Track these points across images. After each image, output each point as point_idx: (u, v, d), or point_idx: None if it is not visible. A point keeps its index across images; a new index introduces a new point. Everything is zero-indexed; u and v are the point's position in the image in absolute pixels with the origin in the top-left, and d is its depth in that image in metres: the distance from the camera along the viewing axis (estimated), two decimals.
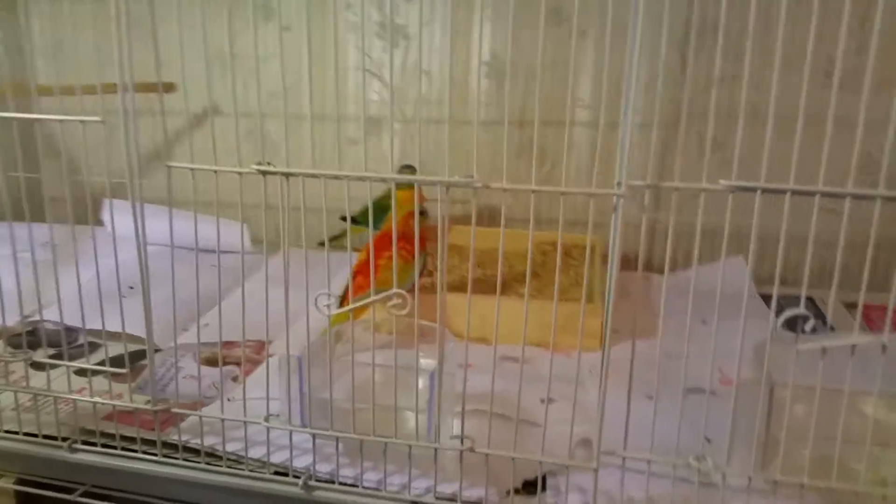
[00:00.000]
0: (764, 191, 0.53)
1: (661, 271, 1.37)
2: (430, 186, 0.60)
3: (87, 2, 0.80)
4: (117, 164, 0.68)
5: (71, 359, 0.87)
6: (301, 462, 0.69)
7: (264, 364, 0.87)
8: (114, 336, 0.74)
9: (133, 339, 0.78)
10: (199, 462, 0.70)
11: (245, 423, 0.68)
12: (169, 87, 1.38)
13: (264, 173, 0.61)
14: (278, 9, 0.95)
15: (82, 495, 0.75)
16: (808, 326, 0.55)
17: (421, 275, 1.07)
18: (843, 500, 0.60)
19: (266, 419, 0.67)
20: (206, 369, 0.89)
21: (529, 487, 0.67)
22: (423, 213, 1.21)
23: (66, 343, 0.75)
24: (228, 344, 0.93)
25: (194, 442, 0.71)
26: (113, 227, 0.81)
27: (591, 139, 1.40)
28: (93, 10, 0.70)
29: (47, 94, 0.72)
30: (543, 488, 0.67)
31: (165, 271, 0.68)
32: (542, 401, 0.79)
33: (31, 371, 0.76)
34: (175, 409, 0.70)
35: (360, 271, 0.97)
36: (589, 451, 0.67)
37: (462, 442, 0.63)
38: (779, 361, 0.63)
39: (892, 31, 0.64)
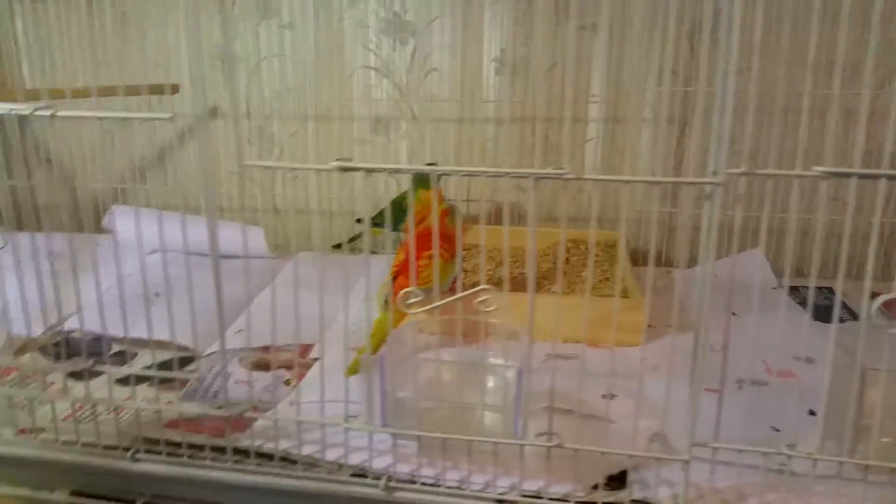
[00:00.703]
0: (861, 176, 0.54)
1: (674, 265, 1.40)
2: (444, 186, 0.60)
3: (74, 4, 0.77)
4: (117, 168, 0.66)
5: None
6: (378, 464, 0.68)
7: (316, 367, 0.86)
8: (144, 344, 0.71)
9: (165, 345, 0.74)
10: (272, 467, 0.68)
11: (323, 425, 0.66)
12: (174, 90, 1.36)
13: (345, 169, 0.60)
14: (285, 7, 0.92)
15: None
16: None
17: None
18: None
19: (346, 420, 0.66)
20: (254, 374, 0.87)
21: (612, 483, 0.66)
22: (451, 211, 1.20)
23: (103, 352, 0.72)
24: (267, 349, 0.91)
25: (268, 447, 0.69)
26: (139, 235, 0.74)
27: (605, 133, 1.41)
28: (75, 12, 0.67)
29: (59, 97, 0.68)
30: (623, 482, 0.67)
31: (184, 278, 0.66)
32: (604, 396, 0.79)
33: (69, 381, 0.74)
34: (249, 414, 0.68)
35: (402, 272, 0.96)
36: (664, 444, 0.67)
37: (550, 438, 0.63)
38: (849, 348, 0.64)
39: None
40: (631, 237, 1.39)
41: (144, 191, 1.48)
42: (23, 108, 0.60)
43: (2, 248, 0.70)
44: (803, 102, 0.55)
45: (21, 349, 0.88)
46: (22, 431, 0.74)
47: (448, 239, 0.99)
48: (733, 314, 1.00)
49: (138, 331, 0.70)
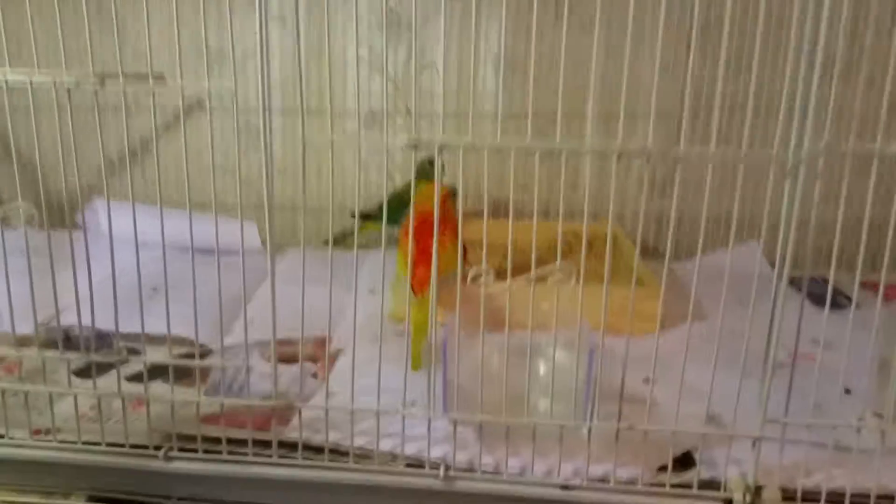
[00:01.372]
0: None
1: (676, 257, 1.40)
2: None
3: None
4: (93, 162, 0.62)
5: (112, 366, 0.79)
6: (435, 453, 0.64)
7: (342, 358, 0.82)
8: (153, 340, 0.66)
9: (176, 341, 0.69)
10: (321, 460, 0.64)
11: (378, 413, 0.63)
12: (157, 79, 1.29)
13: (416, 146, 0.57)
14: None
15: None
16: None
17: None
18: None
19: (403, 406, 0.62)
20: (279, 368, 0.82)
21: (675, 465, 0.65)
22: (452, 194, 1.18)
23: (102, 348, 0.67)
24: (283, 343, 0.87)
25: (317, 438, 0.65)
26: (135, 227, 0.68)
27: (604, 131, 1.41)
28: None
29: None
30: (688, 464, 0.65)
31: (177, 273, 0.62)
32: (645, 381, 0.78)
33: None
34: (299, 405, 0.64)
35: (419, 262, 0.93)
36: (717, 426, 0.66)
37: (619, 419, 0.61)
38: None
39: None
40: (627, 232, 1.39)
41: (121, 185, 1.41)
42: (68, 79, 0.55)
43: None
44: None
45: (19, 347, 0.81)
46: (37, 432, 0.68)
47: (453, 225, 0.96)
48: (741, 304, 1.01)
49: (147, 326, 0.65)
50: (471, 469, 0.64)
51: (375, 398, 0.63)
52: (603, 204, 1.40)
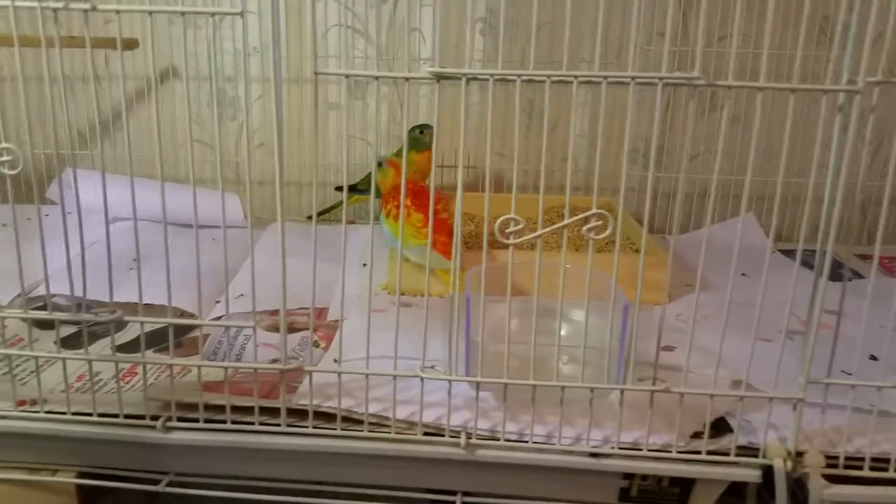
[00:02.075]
0: None
1: (668, 232, 1.38)
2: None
3: None
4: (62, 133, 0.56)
5: (94, 335, 0.73)
6: (455, 420, 0.60)
7: (345, 327, 0.78)
8: (135, 309, 0.61)
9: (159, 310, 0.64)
10: (333, 429, 0.60)
11: (395, 376, 0.59)
12: (131, 45, 1.22)
13: (440, 77, 0.52)
14: None
15: (171, 485, 0.62)
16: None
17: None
18: None
19: (422, 370, 0.58)
20: (274, 336, 0.77)
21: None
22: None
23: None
24: (277, 313, 0.82)
25: (328, 405, 0.60)
26: (107, 199, 0.61)
27: (595, 97, 1.38)
28: None
29: None
30: (721, 431, 0.62)
31: (160, 246, 0.57)
32: (664, 349, 0.75)
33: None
34: (309, 368, 0.59)
35: (439, 229, 0.88)
36: (749, 391, 0.63)
37: (654, 382, 0.58)
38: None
39: None
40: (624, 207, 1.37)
41: (91, 157, 1.34)
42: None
43: None
44: None
45: None
46: (21, 403, 0.62)
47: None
48: (743, 274, 0.99)
49: (133, 296, 0.59)
50: (493, 437, 0.60)
51: (389, 363, 0.58)
52: (599, 181, 1.37)
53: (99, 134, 0.60)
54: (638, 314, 0.56)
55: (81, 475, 0.63)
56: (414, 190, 0.95)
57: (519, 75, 0.52)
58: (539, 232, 0.55)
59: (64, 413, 0.61)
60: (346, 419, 0.60)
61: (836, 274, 0.56)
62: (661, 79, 0.51)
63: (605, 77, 0.51)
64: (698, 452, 0.59)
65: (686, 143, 0.54)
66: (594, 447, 0.59)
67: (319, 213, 1.32)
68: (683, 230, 1.34)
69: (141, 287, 0.59)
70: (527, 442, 0.60)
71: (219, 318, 0.81)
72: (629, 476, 0.61)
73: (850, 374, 0.60)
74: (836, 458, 0.58)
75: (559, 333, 0.58)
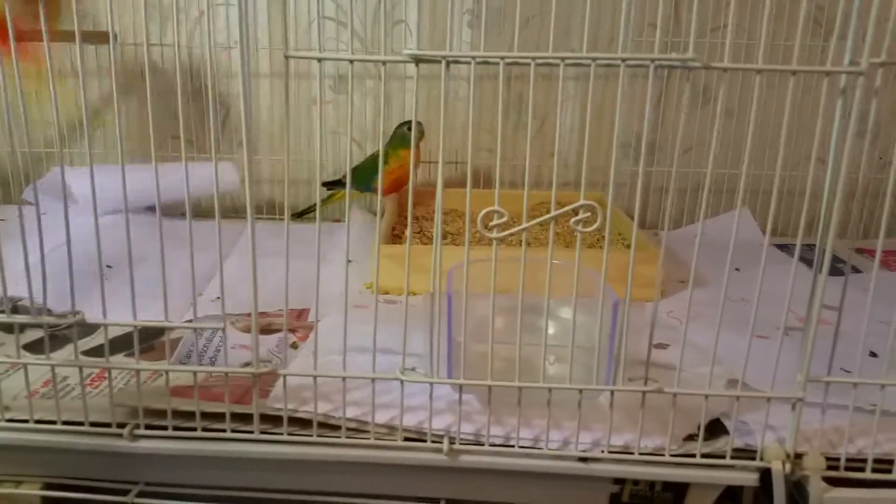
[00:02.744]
0: None
1: (661, 227, 1.35)
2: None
3: None
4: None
5: (64, 340, 0.70)
6: (437, 424, 0.58)
7: (322, 327, 0.75)
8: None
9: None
10: (309, 435, 0.57)
11: (374, 379, 0.56)
12: (103, 38, 1.19)
13: (419, 60, 0.49)
14: None
15: (140, 495, 0.59)
16: None
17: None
18: None
19: (402, 372, 0.55)
20: (249, 338, 0.74)
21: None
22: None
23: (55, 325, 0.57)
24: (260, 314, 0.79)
25: (304, 410, 0.57)
26: (97, 191, 0.59)
27: (583, 91, 1.35)
28: None
29: None
30: (714, 433, 0.60)
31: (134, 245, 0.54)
32: (657, 346, 0.73)
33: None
34: (282, 371, 0.56)
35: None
36: (744, 389, 0.60)
37: (646, 382, 0.55)
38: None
39: None
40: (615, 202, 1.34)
41: (70, 155, 1.30)
42: None
43: None
44: None
45: None
46: None
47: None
48: (736, 269, 0.97)
49: (98, 304, 0.56)
50: (478, 442, 0.57)
51: (368, 359, 0.55)
52: (586, 174, 1.35)
53: (86, 126, 0.56)
54: (628, 311, 0.53)
55: (47, 486, 0.60)
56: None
57: (502, 58, 0.49)
58: (524, 225, 0.52)
59: (27, 421, 0.58)
60: (322, 425, 0.57)
61: (835, 269, 0.54)
62: (653, 60, 0.48)
63: (594, 59, 0.48)
64: (692, 455, 0.56)
65: (679, 134, 0.51)
66: (583, 451, 0.57)
67: (303, 212, 1.29)
68: (677, 225, 1.32)
69: (104, 292, 0.56)
70: (513, 446, 0.57)
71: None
72: (620, 481, 0.58)
73: (849, 372, 0.57)
74: (837, 459, 0.56)
75: (545, 332, 0.55)
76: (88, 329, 0.76)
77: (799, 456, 0.55)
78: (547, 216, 0.51)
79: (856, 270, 1.08)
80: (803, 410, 0.55)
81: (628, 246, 1.03)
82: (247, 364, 0.60)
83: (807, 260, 0.99)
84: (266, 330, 0.75)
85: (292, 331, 0.77)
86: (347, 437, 0.57)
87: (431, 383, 0.56)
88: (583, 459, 0.57)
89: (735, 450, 0.56)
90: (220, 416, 0.57)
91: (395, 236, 1.08)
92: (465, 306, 0.56)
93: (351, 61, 0.51)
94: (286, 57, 0.50)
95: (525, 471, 0.57)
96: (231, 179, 1.10)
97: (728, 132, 1.25)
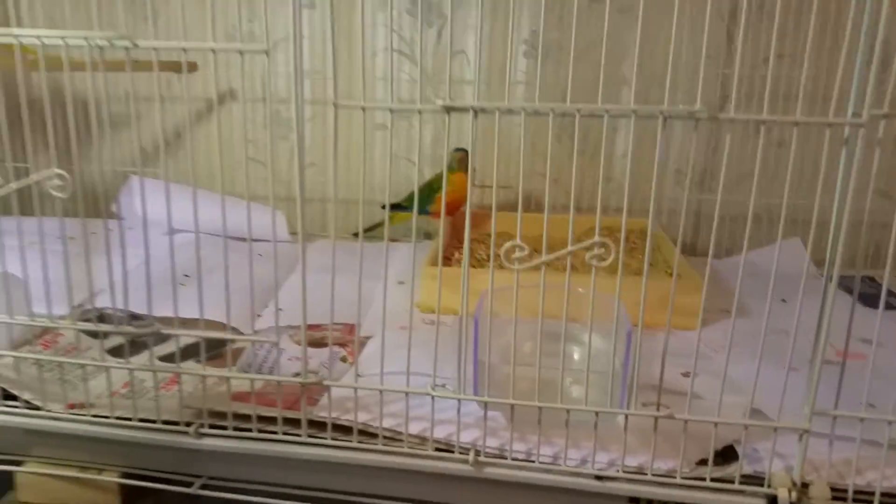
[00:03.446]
0: None
1: (715, 256, 1.36)
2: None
3: None
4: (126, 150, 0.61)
5: (141, 345, 0.79)
6: (465, 437, 0.63)
7: (371, 344, 0.82)
8: (185, 323, 0.65)
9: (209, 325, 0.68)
10: (349, 441, 0.63)
11: (407, 393, 0.62)
12: (191, 67, 1.30)
13: (450, 109, 0.56)
14: None
15: (203, 487, 0.67)
16: None
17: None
18: None
19: (432, 388, 0.61)
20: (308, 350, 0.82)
21: (716, 459, 0.63)
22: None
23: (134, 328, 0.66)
24: (312, 328, 0.86)
25: (346, 418, 0.64)
26: (170, 211, 0.68)
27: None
28: None
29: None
30: (728, 460, 0.63)
31: (208, 259, 0.62)
32: (684, 375, 0.76)
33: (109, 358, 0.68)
34: (328, 383, 0.63)
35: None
36: (761, 419, 0.63)
37: (658, 408, 0.59)
38: None
39: None
40: (664, 228, 1.37)
41: (155, 174, 1.42)
42: (100, 37, 0.55)
43: None
44: None
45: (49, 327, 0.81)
46: (71, 406, 0.68)
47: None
48: (783, 301, 0.98)
49: (179, 311, 0.64)
50: (501, 455, 0.63)
51: (410, 378, 0.62)
52: (638, 201, 1.38)
53: (163, 151, 0.65)
54: (640, 339, 0.58)
55: (124, 475, 0.69)
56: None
57: (524, 109, 0.55)
58: (543, 259, 0.57)
59: (108, 417, 0.67)
60: (362, 432, 0.64)
61: (890, 303, 0.56)
62: (661, 112, 0.53)
63: (634, 112, 0.53)
64: (703, 479, 0.60)
65: (724, 166, 0.54)
66: (599, 470, 0.61)
67: (365, 230, 1.36)
68: (730, 254, 1.33)
69: (176, 302, 0.64)
70: (534, 462, 0.62)
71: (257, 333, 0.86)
72: (634, 500, 0.62)
73: (873, 406, 0.59)
74: (845, 490, 0.58)
75: (562, 356, 0.60)
76: (164, 335, 0.85)
77: (806, 485, 0.58)
78: (564, 251, 0.56)
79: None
80: (815, 441, 0.58)
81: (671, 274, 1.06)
82: (297, 374, 0.67)
83: (865, 295, 0.98)
84: (319, 343, 0.83)
85: (343, 345, 0.84)
86: (384, 445, 0.63)
87: (459, 399, 0.61)
88: (599, 478, 0.61)
89: (744, 476, 0.60)
90: (273, 420, 0.64)
91: (445, 258, 1.14)
92: (491, 329, 0.61)
93: (392, 111, 0.58)
94: (335, 105, 0.57)
95: (544, 485, 0.62)
96: (281, 229, 1.20)
97: (781, 162, 1.26)
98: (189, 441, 0.65)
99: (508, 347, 0.64)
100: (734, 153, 0.53)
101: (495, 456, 0.63)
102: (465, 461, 0.62)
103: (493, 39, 1.38)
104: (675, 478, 0.60)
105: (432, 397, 0.61)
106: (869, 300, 0.92)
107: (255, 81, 1.41)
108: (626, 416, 0.60)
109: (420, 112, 0.58)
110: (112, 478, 0.68)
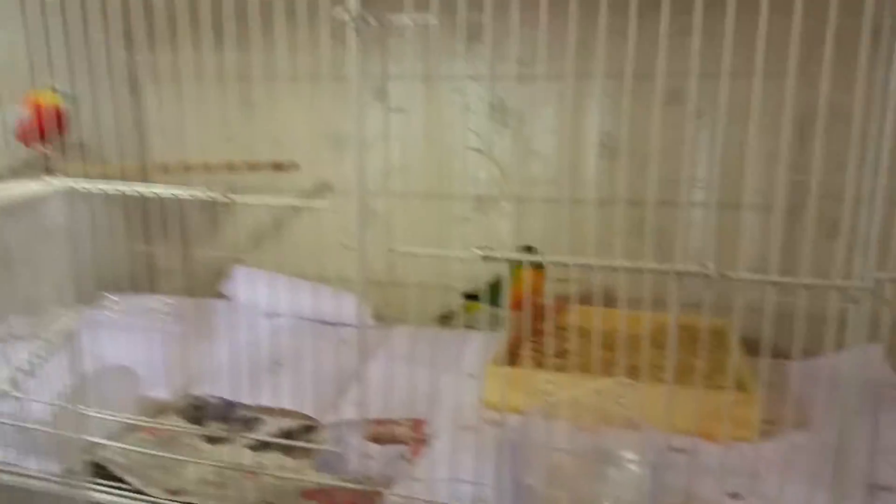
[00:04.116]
0: None
1: (787, 356, 1.33)
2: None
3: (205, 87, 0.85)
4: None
5: (236, 431, 0.89)
6: None
7: (439, 443, 0.89)
8: (270, 411, 0.76)
9: (289, 413, 0.78)
10: None
11: None
12: (293, 167, 1.45)
13: (486, 258, 0.64)
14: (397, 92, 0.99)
15: None
16: None
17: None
18: None
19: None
20: (374, 448, 0.90)
21: None
22: None
23: (233, 416, 0.78)
24: (383, 422, 0.94)
25: None
26: (266, 298, 0.83)
27: (708, 220, 1.42)
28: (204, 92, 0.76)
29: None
30: None
31: (298, 345, 0.71)
32: (730, 496, 0.78)
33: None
34: (385, 492, 0.71)
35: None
36: None
37: None
38: None
39: None
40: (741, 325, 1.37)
41: (258, 260, 1.57)
42: (200, 192, 0.67)
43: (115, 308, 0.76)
44: None
45: (158, 412, 0.94)
46: (170, 492, 0.79)
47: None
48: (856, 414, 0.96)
49: (267, 399, 0.75)
50: None
51: (457, 488, 0.68)
52: (713, 297, 1.40)
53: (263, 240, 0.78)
54: (696, 453, 0.62)
55: None
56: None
57: (547, 259, 0.62)
58: (569, 393, 0.63)
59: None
60: None
61: None
62: (674, 271, 0.59)
63: (671, 270, 0.60)
64: None
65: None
66: None
67: (444, 319, 1.44)
68: (809, 355, 1.31)
69: (270, 391, 0.74)
70: None
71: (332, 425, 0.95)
72: None
73: None
74: None
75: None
76: (253, 424, 0.96)
77: None
78: (587, 389, 0.63)
79: None
80: None
81: (737, 382, 1.06)
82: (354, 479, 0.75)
83: None
84: (386, 439, 0.90)
85: (406, 443, 0.91)
86: None
87: None
88: None
89: None
90: None
91: (513, 354, 1.19)
92: (528, 448, 0.67)
93: (437, 257, 0.66)
94: (389, 250, 0.67)
95: None
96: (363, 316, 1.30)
97: None
98: None
99: (549, 467, 0.70)
100: (815, 257, 0.58)
101: None
102: None
103: (567, 140, 1.46)
104: None
105: None
106: None
107: (350, 176, 1.54)
108: None
109: (462, 260, 0.66)
110: None
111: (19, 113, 0.83)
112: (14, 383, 0.54)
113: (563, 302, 1.37)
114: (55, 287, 0.61)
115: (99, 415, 0.77)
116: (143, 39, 0.72)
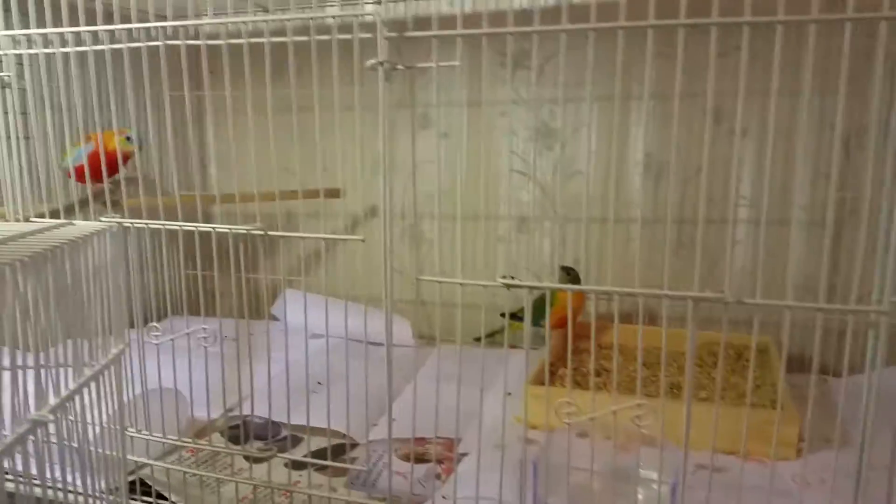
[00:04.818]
0: None
1: (835, 374, 1.31)
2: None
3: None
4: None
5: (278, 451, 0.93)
6: None
7: (470, 462, 0.90)
8: (310, 430, 0.79)
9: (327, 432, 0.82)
10: None
11: None
12: (337, 194, 1.50)
13: (509, 286, 0.65)
14: (442, 119, 1.01)
15: None
16: None
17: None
18: None
19: None
20: (407, 466, 0.92)
21: None
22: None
23: (274, 434, 0.82)
24: (418, 440, 0.96)
25: None
26: (308, 320, 0.84)
27: (754, 237, 1.40)
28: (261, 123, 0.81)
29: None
30: None
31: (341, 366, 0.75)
32: None
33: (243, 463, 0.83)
34: None
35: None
36: None
37: None
38: None
39: None
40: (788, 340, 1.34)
41: (309, 283, 1.63)
42: (240, 228, 0.72)
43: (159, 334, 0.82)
44: None
45: (201, 431, 0.99)
46: None
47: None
48: None
49: (309, 418, 0.79)
50: None
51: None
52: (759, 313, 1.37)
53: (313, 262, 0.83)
54: (684, 490, 0.63)
55: None
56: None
57: (592, 290, 0.64)
58: (591, 415, 0.64)
59: None
60: None
61: None
62: (691, 297, 0.59)
63: (692, 298, 0.61)
64: None
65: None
66: None
67: (478, 338, 1.46)
68: (854, 370, 1.28)
69: (310, 411, 0.79)
70: None
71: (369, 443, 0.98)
72: None
73: None
74: None
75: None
76: (293, 442, 1.00)
77: None
78: (607, 410, 0.64)
79: None
80: None
81: (774, 401, 1.05)
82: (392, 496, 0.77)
83: None
84: (420, 458, 0.93)
85: (440, 461, 0.93)
86: None
87: None
88: None
89: None
90: None
91: (552, 373, 1.20)
92: (554, 470, 0.69)
93: (461, 284, 0.69)
94: (417, 279, 0.69)
95: None
96: (405, 336, 1.34)
97: None
98: None
99: (577, 488, 0.71)
100: (858, 273, 0.58)
101: None
102: None
103: (609, 160, 1.47)
104: None
105: None
106: None
107: (397, 200, 1.59)
108: None
109: (486, 287, 0.68)
110: None
111: (83, 157, 0.89)
112: (63, 407, 0.58)
113: (603, 321, 1.37)
114: (107, 313, 0.66)
115: (142, 436, 0.82)
116: (206, 78, 0.78)
